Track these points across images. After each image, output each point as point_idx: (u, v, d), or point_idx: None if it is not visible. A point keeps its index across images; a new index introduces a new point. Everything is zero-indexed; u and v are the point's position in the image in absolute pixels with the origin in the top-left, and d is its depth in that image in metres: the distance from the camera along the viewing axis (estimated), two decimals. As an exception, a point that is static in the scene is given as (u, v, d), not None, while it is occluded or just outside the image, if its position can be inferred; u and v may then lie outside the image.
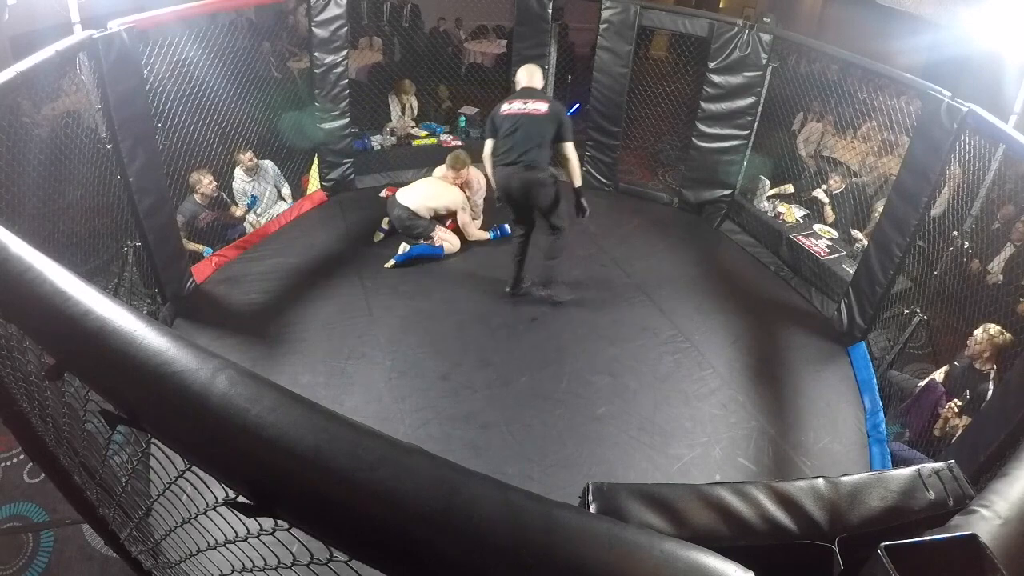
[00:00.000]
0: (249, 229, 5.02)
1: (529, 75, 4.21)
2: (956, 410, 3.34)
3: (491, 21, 8.96)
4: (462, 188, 5.07)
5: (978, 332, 3.46)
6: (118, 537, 1.68)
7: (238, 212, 4.99)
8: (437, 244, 4.92)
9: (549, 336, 4.25)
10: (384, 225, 5.16)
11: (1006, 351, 3.40)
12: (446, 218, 5.09)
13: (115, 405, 0.83)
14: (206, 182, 4.60)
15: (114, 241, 3.84)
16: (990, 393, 3.34)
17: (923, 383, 3.74)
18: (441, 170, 5.20)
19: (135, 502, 1.74)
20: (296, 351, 3.97)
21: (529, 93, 4.12)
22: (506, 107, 4.09)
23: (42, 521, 3.10)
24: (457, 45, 8.61)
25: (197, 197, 4.60)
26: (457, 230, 5.09)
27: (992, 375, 3.42)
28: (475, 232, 5.13)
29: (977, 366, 3.47)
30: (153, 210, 3.86)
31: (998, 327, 3.44)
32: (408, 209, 4.83)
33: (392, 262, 4.81)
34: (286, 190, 5.37)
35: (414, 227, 4.87)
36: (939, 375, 3.76)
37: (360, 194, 5.83)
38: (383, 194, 5.60)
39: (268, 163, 5.24)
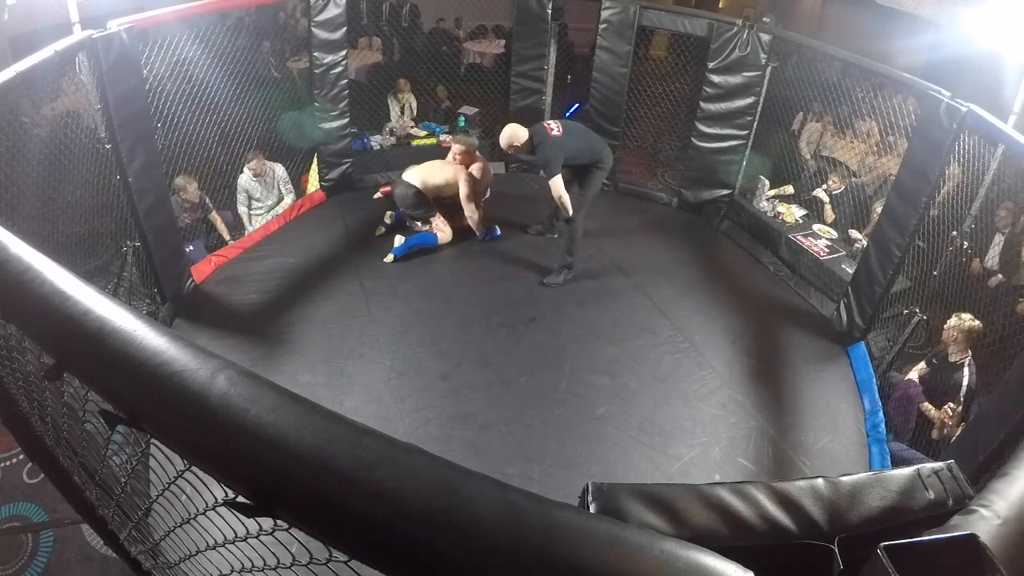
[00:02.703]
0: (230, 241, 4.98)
1: (520, 129, 4.55)
2: (950, 413, 3.35)
3: (490, 21, 8.96)
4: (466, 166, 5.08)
5: (951, 320, 3.52)
6: (117, 537, 1.67)
7: (221, 229, 4.97)
8: (433, 231, 4.99)
9: (549, 336, 4.25)
10: (387, 219, 5.20)
11: (978, 338, 3.47)
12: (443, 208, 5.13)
13: (114, 405, 0.83)
14: (191, 189, 4.61)
15: (113, 241, 3.84)
16: (965, 379, 3.38)
17: (903, 379, 3.80)
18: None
19: (134, 502, 1.74)
20: (296, 351, 3.97)
21: (537, 124, 4.59)
22: (555, 133, 4.44)
23: (41, 521, 3.10)
24: (456, 45, 8.61)
25: (180, 199, 4.61)
26: (451, 221, 5.12)
27: (967, 363, 3.46)
28: (472, 211, 5.06)
29: (951, 358, 3.52)
30: (152, 210, 3.86)
31: (968, 314, 3.50)
32: (412, 186, 4.88)
33: (391, 256, 4.87)
34: (287, 199, 5.33)
35: (416, 206, 4.92)
36: (914, 374, 3.79)
37: (359, 194, 5.83)
38: (377, 195, 5.64)
39: (279, 167, 5.23)
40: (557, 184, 4.35)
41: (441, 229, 5.03)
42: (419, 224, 5.02)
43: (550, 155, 4.34)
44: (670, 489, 0.86)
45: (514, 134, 4.49)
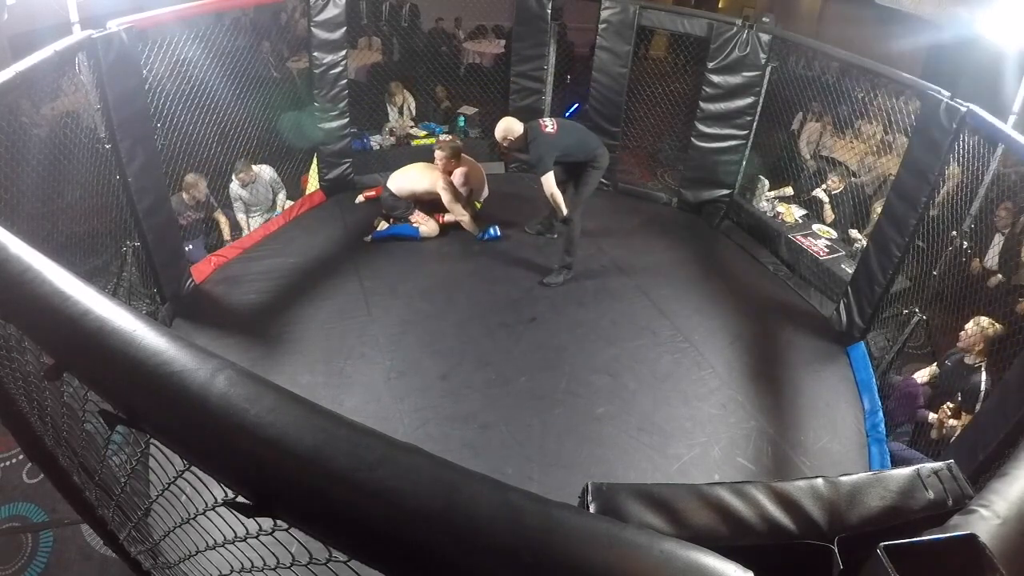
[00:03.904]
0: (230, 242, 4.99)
1: (515, 122, 4.57)
2: (949, 412, 3.35)
3: (490, 21, 8.96)
4: (449, 175, 5.13)
5: (969, 325, 3.51)
6: (117, 537, 1.67)
7: (224, 229, 4.98)
8: (414, 225, 5.14)
9: (549, 336, 4.25)
10: (384, 210, 5.29)
11: (996, 342, 3.45)
12: (428, 206, 5.23)
13: (114, 405, 0.83)
14: (201, 187, 4.61)
15: (113, 241, 3.84)
16: (983, 384, 3.38)
17: (900, 379, 3.81)
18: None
19: (134, 502, 1.74)
20: (296, 351, 3.97)
21: (534, 121, 4.58)
22: (549, 130, 4.44)
23: (41, 521, 3.10)
24: (456, 45, 8.61)
25: (185, 196, 4.60)
26: (433, 216, 5.25)
27: (983, 367, 3.45)
28: (459, 213, 5.17)
29: (968, 360, 3.51)
30: (152, 210, 3.86)
31: (988, 319, 3.48)
32: (389, 190, 5.10)
33: (370, 238, 5.09)
34: (281, 198, 5.34)
35: (395, 207, 5.14)
36: (923, 376, 3.78)
37: (359, 194, 5.83)
38: (360, 199, 5.67)
39: (265, 169, 5.23)
40: (548, 182, 4.35)
41: (422, 223, 5.16)
42: (401, 220, 5.21)
43: (542, 152, 4.33)
44: (670, 489, 0.86)
45: (509, 127, 4.50)
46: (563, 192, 4.47)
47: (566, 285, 4.73)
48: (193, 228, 4.77)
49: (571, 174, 4.61)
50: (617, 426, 3.60)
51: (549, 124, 4.47)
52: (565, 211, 4.46)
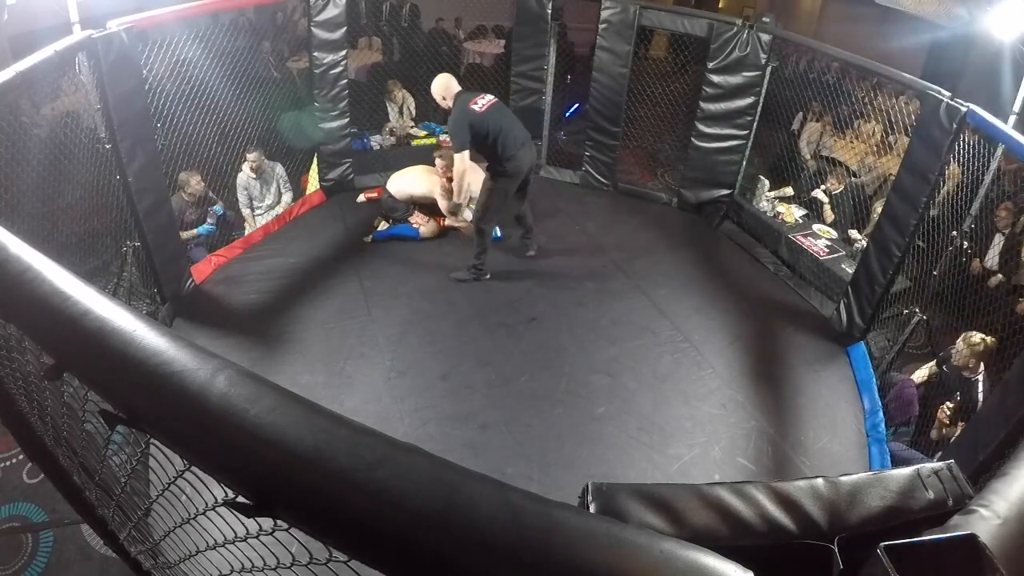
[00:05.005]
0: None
1: (454, 81, 4.33)
2: (947, 413, 3.34)
3: (490, 21, 8.96)
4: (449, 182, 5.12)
5: (959, 345, 3.47)
6: (117, 537, 1.67)
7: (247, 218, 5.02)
8: (414, 226, 5.19)
9: (549, 336, 4.25)
10: (384, 210, 5.32)
11: (991, 354, 3.42)
12: (428, 207, 5.27)
13: (114, 405, 0.83)
14: (194, 182, 4.63)
15: (113, 241, 3.84)
16: (981, 396, 3.35)
17: (901, 378, 3.79)
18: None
19: (134, 502, 1.74)
20: (296, 351, 3.97)
21: (471, 92, 4.30)
22: (475, 107, 4.15)
23: (41, 521, 3.10)
24: (456, 45, 8.61)
25: (184, 195, 4.61)
26: (434, 217, 5.28)
27: (981, 378, 3.43)
28: (455, 220, 5.19)
29: (966, 374, 3.49)
30: (152, 210, 3.86)
31: (979, 335, 3.45)
32: (388, 191, 5.18)
33: (370, 238, 5.12)
34: (287, 199, 5.35)
35: (394, 209, 5.21)
36: (921, 373, 3.77)
37: (359, 194, 5.84)
38: (361, 199, 5.67)
39: (277, 166, 5.25)
40: (463, 159, 4.12)
41: (422, 224, 5.19)
42: (400, 221, 5.26)
43: (456, 126, 4.07)
44: (670, 489, 0.86)
45: (447, 86, 4.23)
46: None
47: (566, 285, 4.72)
48: (197, 226, 4.76)
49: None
50: (617, 426, 3.60)
51: (480, 103, 4.16)
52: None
